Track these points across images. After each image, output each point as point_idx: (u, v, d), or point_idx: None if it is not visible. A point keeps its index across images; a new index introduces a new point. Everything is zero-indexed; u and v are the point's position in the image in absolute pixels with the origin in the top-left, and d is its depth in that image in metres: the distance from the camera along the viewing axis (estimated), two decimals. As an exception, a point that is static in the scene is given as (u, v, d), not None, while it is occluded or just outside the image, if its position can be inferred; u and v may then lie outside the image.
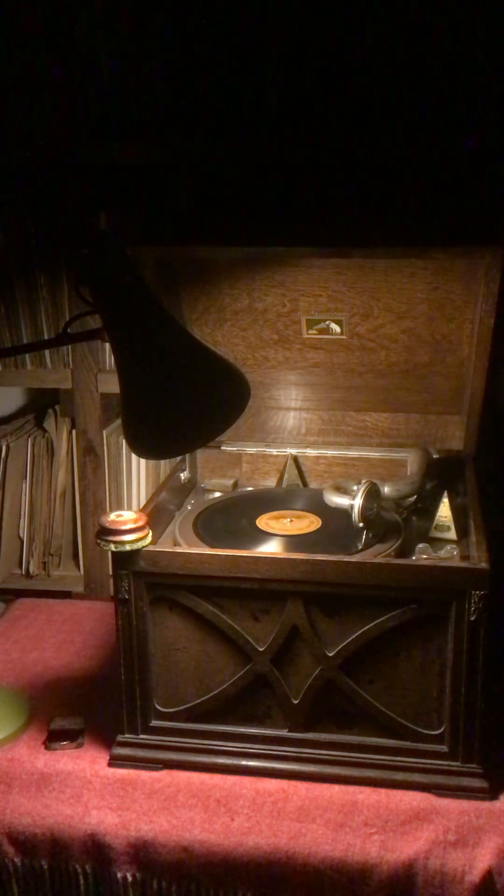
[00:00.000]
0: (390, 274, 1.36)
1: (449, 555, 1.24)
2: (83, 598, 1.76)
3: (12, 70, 1.51)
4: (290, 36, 1.43)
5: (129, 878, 1.18)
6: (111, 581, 1.27)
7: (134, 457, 1.68)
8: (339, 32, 1.41)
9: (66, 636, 1.62)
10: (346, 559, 1.16)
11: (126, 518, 1.18)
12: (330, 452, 1.54)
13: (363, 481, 1.29)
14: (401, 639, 1.16)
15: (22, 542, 1.76)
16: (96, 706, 1.37)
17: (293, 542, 1.30)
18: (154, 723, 1.25)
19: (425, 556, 1.23)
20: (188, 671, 1.22)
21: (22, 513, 1.74)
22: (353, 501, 1.26)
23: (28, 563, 1.75)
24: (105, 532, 1.17)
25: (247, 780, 1.22)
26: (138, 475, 1.71)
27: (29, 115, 1.53)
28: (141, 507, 1.47)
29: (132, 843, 1.17)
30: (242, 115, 1.48)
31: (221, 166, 1.55)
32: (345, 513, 1.28)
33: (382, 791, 1.19)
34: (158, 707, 1.24)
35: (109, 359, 1.65)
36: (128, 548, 1.17)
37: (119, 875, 1.18)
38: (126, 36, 1.46)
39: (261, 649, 1.19)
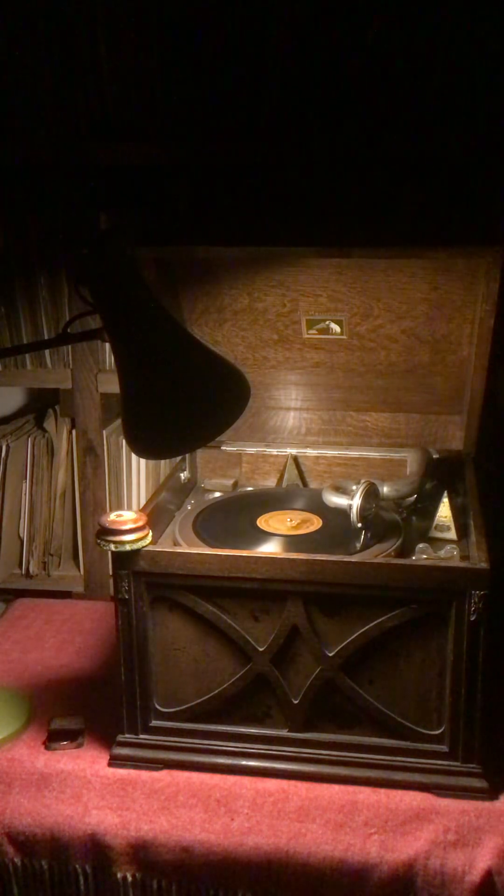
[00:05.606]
0: (390, 274, 1.36)
1: (449, 555, 1.24)
2: (83, 598, 1.76)
3: (13, 70, 1.51)
4: (289, 35, 1.43)
5: (129, 878, 1.18)
6: (111, 581, 1.27)
7: (134, 457, 1.68)
8: (339, 32, 1.41)
9: (66, 636, 1.62)
10: (346, 559, 1.16)
11: (126, 518, 1.18)
12: (330, 452, 1.54)
13: (362, 481, 1.29)
14: (401, 639, 1.16)
15: (22, 542, 1.76)
16: (96, 706, 1.37)
17: (293, 542, 1.30)
18: (154, 723, 1.25)
19: (425, 556, 1.23)
20: (188, 671, 1.22)
21: (22, 513, 1.74)
22: (352, 501, 1.26)
23: (28, 563, 1.75)
24: (105, 532, 1.17)
25: (247, 780, 1.22)
26: (138, 475, 1.71)
27: (29, 115, 1.53)
28: (141, 507, 1.47)
29: (132, 843, 1.17)
30: (242, 114, 1.48)
31: (221, 166, 1.55)
32: (344, 513, 1.28)
33: (382, 791, 1.19)
34: (158, 707, 1.24)
35: (109, 359, 1.65)
36: (128, 548, 1.17)
37: (119, 875, 1.18)
38: (126, 36, 1.46)
39: (261, 649, 1.19)
